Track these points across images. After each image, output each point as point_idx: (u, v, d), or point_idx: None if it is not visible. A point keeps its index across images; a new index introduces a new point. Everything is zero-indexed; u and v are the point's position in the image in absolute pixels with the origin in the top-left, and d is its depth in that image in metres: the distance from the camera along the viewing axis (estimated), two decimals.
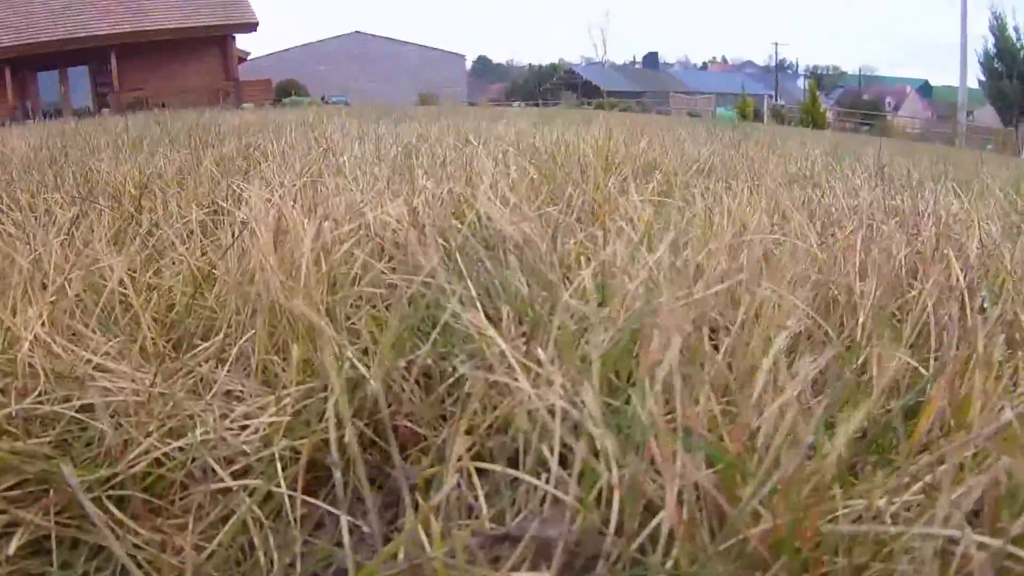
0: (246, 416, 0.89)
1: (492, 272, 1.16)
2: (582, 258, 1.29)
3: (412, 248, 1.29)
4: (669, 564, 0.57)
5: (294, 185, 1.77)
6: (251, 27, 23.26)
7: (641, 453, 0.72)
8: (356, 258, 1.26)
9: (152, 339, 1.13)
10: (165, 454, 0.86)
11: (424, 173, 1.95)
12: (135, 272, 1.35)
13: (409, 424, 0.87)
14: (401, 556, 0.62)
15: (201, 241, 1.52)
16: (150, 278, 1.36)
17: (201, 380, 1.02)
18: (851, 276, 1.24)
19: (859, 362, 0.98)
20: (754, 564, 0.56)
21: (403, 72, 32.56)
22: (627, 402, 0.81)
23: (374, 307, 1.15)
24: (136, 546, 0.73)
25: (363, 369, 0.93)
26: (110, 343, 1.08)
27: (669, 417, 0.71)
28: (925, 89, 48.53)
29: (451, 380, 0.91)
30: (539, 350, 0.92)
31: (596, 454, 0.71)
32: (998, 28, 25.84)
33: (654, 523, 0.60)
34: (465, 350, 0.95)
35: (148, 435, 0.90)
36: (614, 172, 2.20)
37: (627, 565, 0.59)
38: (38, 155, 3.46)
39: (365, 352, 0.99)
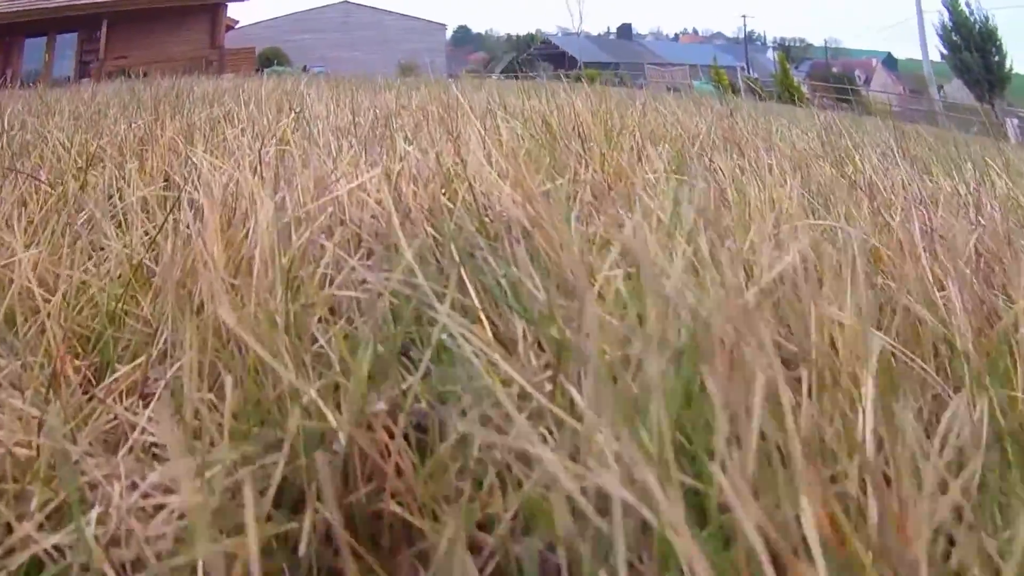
0: (161, 487, 0.60)
1: (496, 268, 0.86)
2: (605, 248, 0.99)
3: (395, 239, 0.99)
4: None
5: (255, 154, 1.45)
6: None
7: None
8: (325, 251, 0.95)
9: (61, 361, 0.83)
10: (47, 551, 0.57)
11: (405, 138, 1.63)
12: (56, 268, 1.04)
13: (398, 508, 0.58)
14: None
15: (144, 226, 1.19)
16: (79, 274, 1.04)
17: (115, 424, 0.73)
18: (926, 283, 0.94)
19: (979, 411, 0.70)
20: None
21: (386, 41, 31.62)
22: (707, 482, 0.53)
23: (350, 321, 0.84)
24: None
25: (330, 416, 0.64)
26: (5, 369, 0.78)
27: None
28: (890, 62, 48.06)
29: (455, 438, 0.61)
30: (572, 389, 0.64)
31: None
32: (951, 2, 25.32)
33: None
34: (469, 387, 0.66)
35: (28, 517, 0.61)
36: (617, 143, 1.90)
37: None
38: None
39: (336, 388, 0.70)
